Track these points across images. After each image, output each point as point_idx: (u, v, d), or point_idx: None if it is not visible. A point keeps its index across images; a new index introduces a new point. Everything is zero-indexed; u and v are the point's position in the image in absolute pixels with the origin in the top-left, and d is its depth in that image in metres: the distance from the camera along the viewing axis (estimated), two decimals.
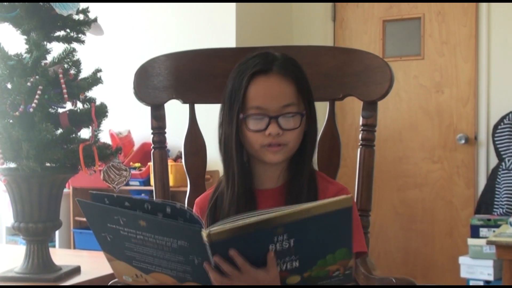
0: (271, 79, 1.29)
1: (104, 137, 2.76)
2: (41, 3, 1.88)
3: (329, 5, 4.58)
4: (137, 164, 3.99)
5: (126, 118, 4.09)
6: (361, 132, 1.58)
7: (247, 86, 1.28)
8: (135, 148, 4.17)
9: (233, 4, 4.00)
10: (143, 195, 3.96)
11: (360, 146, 1.58)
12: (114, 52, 4.32)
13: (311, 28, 4.60)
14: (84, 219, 3.99)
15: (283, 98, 1.29)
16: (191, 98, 1.64)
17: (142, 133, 4.12)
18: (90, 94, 1.94)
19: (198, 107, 1.65)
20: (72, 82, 1.88)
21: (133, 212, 1.11)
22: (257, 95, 1.28)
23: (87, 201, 1.16)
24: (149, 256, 1.15)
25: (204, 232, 1.05)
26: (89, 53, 2.52)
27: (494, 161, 4.07)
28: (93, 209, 1.17)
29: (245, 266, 1.09)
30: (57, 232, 4.04)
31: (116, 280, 1.36)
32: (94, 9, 2.06)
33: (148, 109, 1.64)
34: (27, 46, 1.90)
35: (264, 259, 1.09)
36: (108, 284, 1.39)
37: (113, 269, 1.23)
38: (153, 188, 1.66)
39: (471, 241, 3.61)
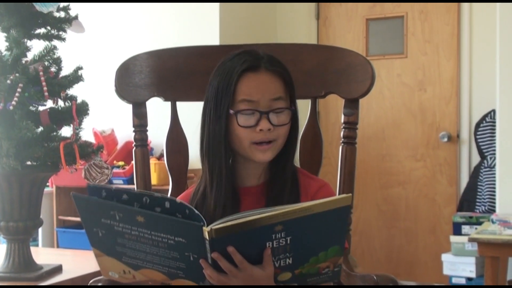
0: (261, 75, 1.29)
1: (87, 136, 2.74)
2: None
3: (312, 3, 4.59)
4: (121, 163, 3.97)
5: (109, 116, 4.07)
6: (343, 129, 1.59)
7: (237, 83, 1.28)
8: (119, 146, 4.15)
9: (217, 3, 4.00)
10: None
11: (342, 144, 1.59)
12: (96, 49, 4.30)
13: (295, 27, 4.60)
14: (68, 218, 4.00)
15: (273, 91, 1.29)
16: (173, 96, 1.63)
17: (126, 132, 4.10)
18: (72, 92, 1.93)
19: (180, 105, 1.65)
20: (52, 80, 1.87)
21: (131, 208, 1.10)
22: (247, 90, 1.28)
23: (82, 195, 1.14)
24: (141, 252, 1.14)
25: (205, 228, 1.06)
26: (70, 51, 2.51)
27: (476, 159, 4.10)
28: (88, 204, 1.15)
29: (243, 263, 1.11)
30: (40, 231, 4.01)
31: (97, 278, 1.36)
32: (75, 7, 2.04)
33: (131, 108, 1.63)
34: (7, 44, 1.89)
35: (260, 256, 1.10)
36: (89, 282, 1.38)
37: (100, 264, 1.22)
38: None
39: (453, 239, 3.64)
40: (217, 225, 1.06)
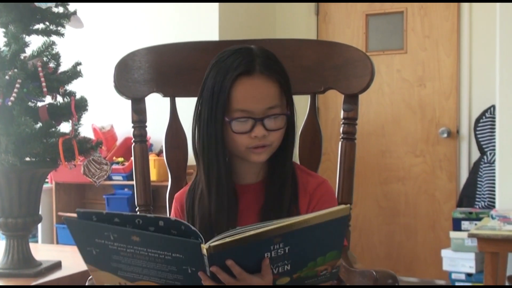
0: (255, 80, 1.26)
1: (86, 132, 2.74)
2: None
3: (312, 3, 4.58)
4: (120, 159, 3.97)
5: (109, 112, 4.06)
6: (342, 125, 1.58)
7: (231, 88, 1.25)
8: (118, 142, 4.14)
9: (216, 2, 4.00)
10: (126, 189, 3.95)
11: (341, 140, 1.58)
12: (95, 45, 4.29)
13: (294, 23, 4.59)
14: (67, 214, 4.00)
15: (268, 100, 1.27)
16: (172, 91, 1.62)
17: (125, 128, 4.08)
18: (70, 87, 1.93)
19: (179, 100, 1.64)
20: (51, 76, 1.86)
21: (126, 228, 1.09)
22: (241, 98, 1.25)
23: (75, 219, 1.12)
24: (137, 267, 1.14)
25: (203, 246, 1.06)
26: (69, 47, 2.50)
27: (476, 154, 4.10)
28: (81, 226, 1.14)
29: (242, 274, 1.10)
30: (39, 227, 4.01)
31: None
32: (74, 2, 2.04)
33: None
34: (5, 39, 1.88)
35: (259, 265, 1.10)
36: (88, 279, 1.38)
37: (95, 278, 1.21)
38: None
39: (453, 234, 3.64)
40: (215, 241, 1.06)
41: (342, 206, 1.10)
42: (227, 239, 1.06)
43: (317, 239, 1.10)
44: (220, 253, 1.07)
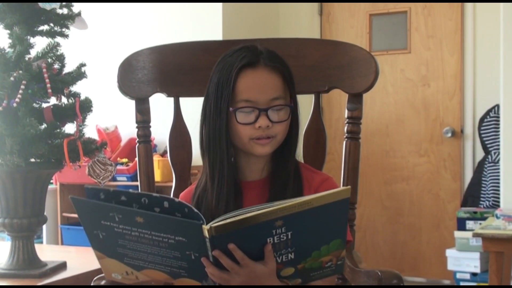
0: (259, 71, 1.29)
1: (91, 133, 2.74)
2: None
3: (316, 3, 4.58)
4: (124, 160, 3.98)
5: (113, 113, 4.07)
6: (347, 124, 1.58)
7: (236, 80, 1.28)
8: (122, 143, 4.15)
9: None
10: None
11: (346, 139, 1.58)
12: (99, 46, 4.30)
13: (298, 23, 4.59)
14: (72, 215, 4.01)
15: (272, 91, 1.29)
16: (176, 91, 1.63)
17: (130, 129, 4.07)
18: (75, 88, 1.94)
19: (183, 100, 1.64)
20: (56, 77, 1.87)
21: (130, 208, 1.10)
22: (246, 88, 1.28)
23: (81, 198, 1.14)
24: (142, 253, 1.14)
25: (205, 226, 1.06)
26: (73, 48, 2.51)
27: (480, 154, 4.09)
28: (87, 206, 1.14)
29: (244, 260, 1.11)
30: (44, 228, 4.02)
31: (100, 276, 1.36)
32: (78, 3, 2.04)
33: None
34: (10, 41, 1.89)
35: (262, 252, 1.10)
36: (93, 280, 1.38)
37: (102, 266, 1.22)
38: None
39: (457, 234, 3.63)
40: (216, 222, 1.06)
41: (343, 188, 1.09)
42: (228, 220, 1.06)
43: (319, 223, 1.09)
44: (222, 236, 1.07)
